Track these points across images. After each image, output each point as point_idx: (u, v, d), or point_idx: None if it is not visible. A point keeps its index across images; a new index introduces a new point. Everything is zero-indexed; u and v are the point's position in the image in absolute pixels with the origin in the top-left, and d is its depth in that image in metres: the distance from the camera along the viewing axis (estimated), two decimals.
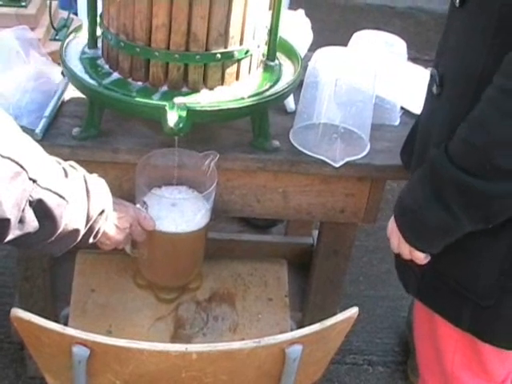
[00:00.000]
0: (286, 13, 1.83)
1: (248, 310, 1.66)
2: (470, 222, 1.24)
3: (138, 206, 1.48)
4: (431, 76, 1.38)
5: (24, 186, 1.06)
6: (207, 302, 1.66)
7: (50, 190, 1.11)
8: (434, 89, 1.35)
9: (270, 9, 1.54)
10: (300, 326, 1.88)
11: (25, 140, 1.10)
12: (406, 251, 1.38)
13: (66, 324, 1.60)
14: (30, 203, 1.08)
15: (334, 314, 1.90)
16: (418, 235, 1.33)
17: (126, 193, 1.56)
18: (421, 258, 1.36)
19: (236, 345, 1.19)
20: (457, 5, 1.28)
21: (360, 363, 2.29)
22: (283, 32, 1.65)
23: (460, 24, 1.30)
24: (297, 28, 1.81)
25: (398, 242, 1.39)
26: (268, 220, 2.58)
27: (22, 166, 1.05)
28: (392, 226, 1.39)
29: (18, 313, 1.17)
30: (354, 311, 1.27)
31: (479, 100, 1.19)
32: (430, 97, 1.40)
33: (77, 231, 1.22)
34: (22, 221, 1.08)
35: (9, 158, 1.03)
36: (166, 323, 1.61)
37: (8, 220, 1.05)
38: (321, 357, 1.34)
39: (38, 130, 1.53)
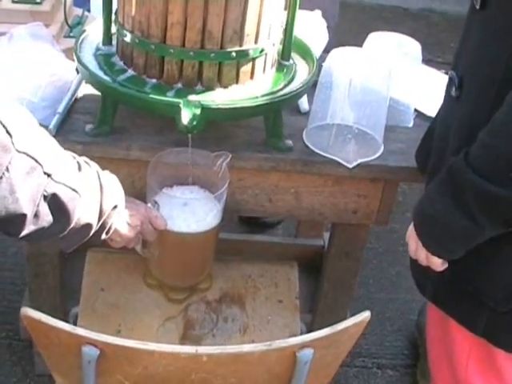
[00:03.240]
0: (302, 13, 1.82)
1: (258, 312, 1.65)
2: (491, 227, 1.23)
3: (149, 205, 1.47)
4: (450, 78, 1.36)
5: (39, 180, 1.06)
6: (217, 303, 1.65)
7: (64, 184, 1.11)
8: (453, 91, 1.34)
9: (285, 8, 1.53)
10: (310, 328, 1.88)
11: (40, 134, 1.10)
12: (423, 257, 1.36)
13: (75, 323, 1.59)
14: (45, 198, 1.08)
15: (344, 316, 1.91)
16: (438, 242, 1.32)
17: (138, 191, 1.55)
18: (438, 264, 1.35)
19: (246, 348, 1.18)
20: (477, 7, 1.27)
21: (369, 366, 2.28)
22: (299, 32, 1.64)
23: (480, 26, 1.28)
24: (313, 28, 1.80)
25: (415, 248, 1.37)
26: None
27: (37, 161, 1.05)
28: (411, 231, 1.37)
29: (28, 312, 1.16)
30: (365, 315, 1.25)
31: (500, 103, 1.17)
32: (449, 99, 1.38)
33: (89, 226, 1.21)
34: (36, 215, 1.08)
35: (25, 153, 1.03)
36: (175, 323, 1.60)
37: (24, 215, 1.06)
38: (331, 360, 1.33)
39: (51, 126, 1.52)
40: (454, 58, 1.40)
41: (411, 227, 1.38)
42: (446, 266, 1.35)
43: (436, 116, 1.54)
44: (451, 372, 1.54)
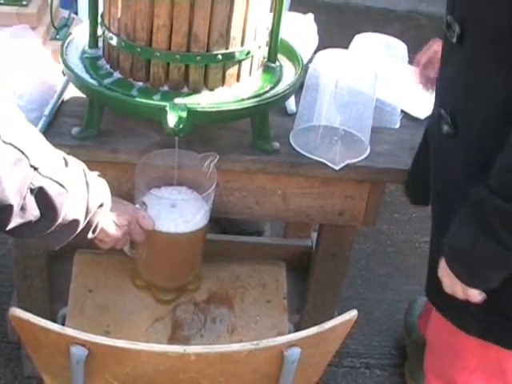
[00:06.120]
0: (294, 16, 1.83)
1: (246, 312, 1.66)
2: None
3: (137, 206, 1.48)
4: (439, 116, 1.35)
5: (25, 173, 1.07)
6: (205, 304, 1.66)
7: (51, 179, 1.11)
8: (446, 129, 1.33)
9: (271, 11, 1.53)
10: (298, 328, 1.88)
11: (27, 128, 1.11)
12: (460, 291, 1.35)
13: (63, 324, 1.59)
14: (32, 191, 1.09)
15: (332, 316, 1.92)
16: (473, 274, 1.31)
17: (125, 193, 1.55)
18: (475, 295, 1.34)
19: (234, 347, 1.19)
20: (453, 42, 1.26)
21: (357, 366, 2.29)
22: (289, 35, 1.65)
23: (462, 60, 1.27)
24: (303, 32, 1.81)
25: (450, 282, 1.36)
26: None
27: (23, 153, 1.05)
28: (443, 267, 1.37)
29: (17, 312, 1.16)
30: (352, 314, 1.26)
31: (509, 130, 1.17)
32: (439, 136, 1.37)
33: (76, 222, 1.22)
34: (23, 208, 1.08)
35: (11, 144, 1.04)
36: (163, 324, 1.60)
37: (11, 206, 1.06)
38: (319, 359, 1.34)
39: (37, 129, 1.53)
40: (437, 95, 1.39)
41: (443, 263, 1.37)
42: (484, 295, 1.34)
43: (420, 149, 1.56)
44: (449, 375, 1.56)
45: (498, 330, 1.41)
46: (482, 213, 1.23)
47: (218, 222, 2.50)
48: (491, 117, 1.24)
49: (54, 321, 1.22)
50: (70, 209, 1.18)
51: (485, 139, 1.26)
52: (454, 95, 1.32)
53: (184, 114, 1.39)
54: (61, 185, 1.13)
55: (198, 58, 1.44)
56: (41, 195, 1.10)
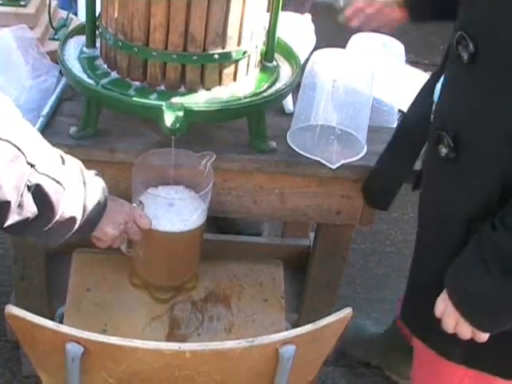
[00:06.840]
0: (292, 15, 1.84)
1: (243, 311, 1.66)
2: None
3: (134, 205, 1.48)
4: (437, 139, 1.29)
5: (22, 169, 1.07)
6: (203, 302, 1.66)
7: (48, 176, 1.12)
8: (445, 152, 1.27)
9: (268, 10, 1.54)
10: (295, 327, 1.89)
11: (25, 126, 1.12)
12: (468, 333, 1.30)
13: (61, 323, 1.60)
14: (29, 188, 1.09)
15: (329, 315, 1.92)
16: (493, 319, 1.27)
17: (122, 192, 1.56)
18: (485, 337, 1.29)
19: (229, 344, 1.20)
20: (464, 61, 1.19)
21: (355, 365, 2.29)
22: (286, 35, 1.66)
23: (471, 80, 1.20)
24: (300, 32, 1.81)
25: (454, 325, 1.31)
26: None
27: (20, 150, 1.06)
28: (443, 307, 1.32)
29: (13, 310, 1.17)
30: (347, 312, 1.27)
31: None
32: (437, 159, 1.30)
33: (73, 219, 1.22)
34: (20, 205, 1.09)
35: (8, 141, 1.04)
36: (161, 323, 1.61)
37: (8, 203, 1.06)
38: (314, 357, 1.34)
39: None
40: (439, 115, 1.33)
41: (441, 302, 1.33)
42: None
43: (386, 153, 1.54)
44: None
45: (483, 356, 1.38)
46: (503, 254, 1.18)
47: (216, 223, 2.51)
48: (501, 140, 1.18)
49: (52, 320, 1.23)
50: (67, 206, 1.18)
51: (491, 163, 1.21)
52: (458, 117, 1.26)
53: (181, 114, 1.40)
54: (58, 182, 1.14)
55: (195, 57, 1.45)
56: (38, 192, 1.11)
